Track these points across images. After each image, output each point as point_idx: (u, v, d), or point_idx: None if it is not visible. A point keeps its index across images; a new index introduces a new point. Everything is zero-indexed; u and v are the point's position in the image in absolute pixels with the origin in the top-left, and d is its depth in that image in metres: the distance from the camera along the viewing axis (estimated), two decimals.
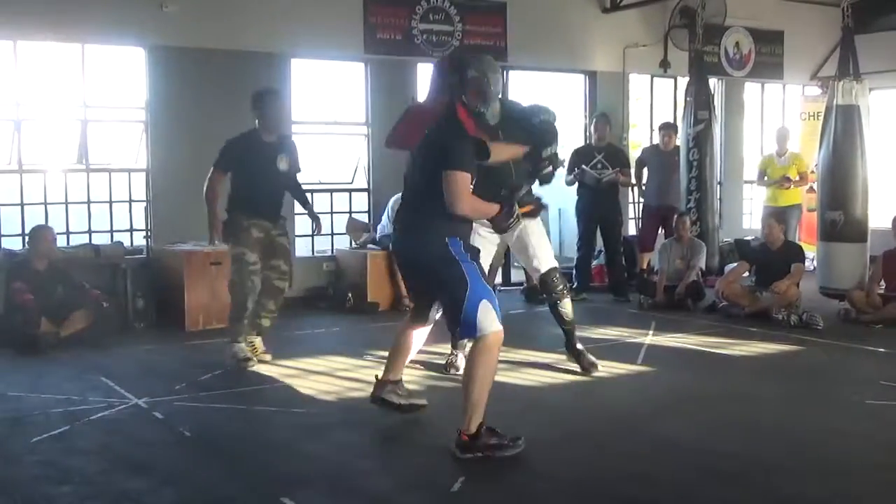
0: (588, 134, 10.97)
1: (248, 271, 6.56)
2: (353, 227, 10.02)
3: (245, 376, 6.40)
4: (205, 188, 6.62)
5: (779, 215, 9.67)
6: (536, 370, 6.55)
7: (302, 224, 9.85)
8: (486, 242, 5.87)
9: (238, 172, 6.67)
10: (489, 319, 4.52)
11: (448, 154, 4.55)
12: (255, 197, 6.64)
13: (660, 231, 10.56)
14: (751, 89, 13.07)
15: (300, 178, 7.22)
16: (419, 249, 4.69)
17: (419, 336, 5.26)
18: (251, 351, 6.74)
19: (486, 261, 5.55)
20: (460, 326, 4.60)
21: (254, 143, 6.69)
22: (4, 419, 5.36)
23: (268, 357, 6.81)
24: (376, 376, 5.24)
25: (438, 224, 4.60)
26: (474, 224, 5.08)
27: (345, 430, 5.18)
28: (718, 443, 4.91)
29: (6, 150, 8.51)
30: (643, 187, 10.83)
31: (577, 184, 9.99)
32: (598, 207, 9.95)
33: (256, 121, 6.73)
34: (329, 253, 10.04)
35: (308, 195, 7.43)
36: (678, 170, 10.59)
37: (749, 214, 12.92)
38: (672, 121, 11.55)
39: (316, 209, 9.88)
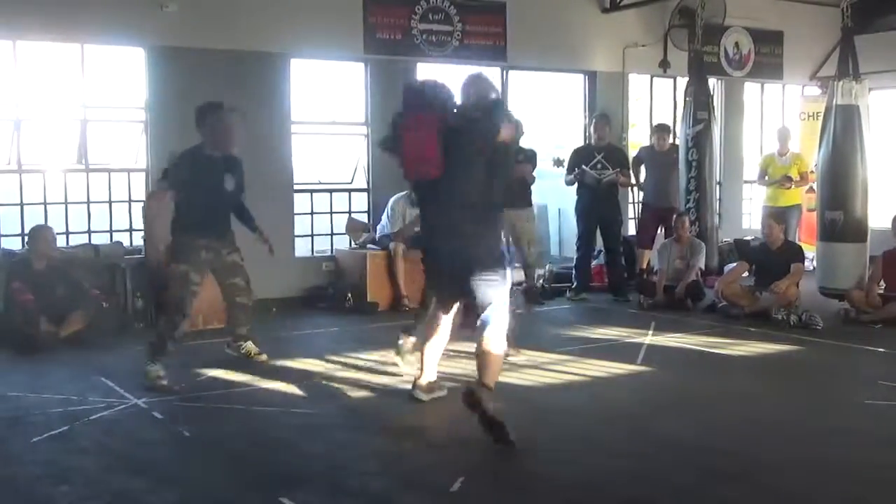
0: (588, 134, 10.97)
1: (190, 291, 6.24)
2: (353, 227, 10.02)
3: (244, 377, 6.39)
4: (148, 207, 6.27)
5: (778, 215, 9.68)
6: (535, 370, 6.54)
7: (301, 224, 9.89)
8: None
9: (186, 191, 6.25)
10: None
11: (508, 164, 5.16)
12: (204, 217, 6.32)
13: (659, 231, 10.56)
14: (750, 89, 13.07)
15: (244, 198, 6.82)
16: (482, 254, 4.98)
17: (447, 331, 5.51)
18: (246, 355, 6.76)
19: None
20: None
21: (200, 160, 6.32)
22: (4, 419, 5.36)
23: (263, 357, 6.81)
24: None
25: (497, 231, 5.14)
26: None
27: (344, 430, 5.18)
28: (718, 442, 4.91)
29: (6, 150, 8.51)
30: (641, 187, 10.82)
31: (576, 184, 9.99)
32: (597, 207, 9.94)
33: (202, 137, 6.39)
34: (328, 253, 10.04)
35: (249, 212, 6.90)
36: (676, 169, 10.59)
37: (749, 214, 12.92)
38: (671, 121, 11.56)
39: (316, 209, 10.03)
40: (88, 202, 8.86)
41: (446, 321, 5.47)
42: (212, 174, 6.34)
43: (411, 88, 5.32)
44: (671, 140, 10.80)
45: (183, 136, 8.78)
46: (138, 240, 9.04)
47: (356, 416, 5.42)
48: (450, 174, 4.95)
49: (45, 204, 8.61)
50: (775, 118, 13.12)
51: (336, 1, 9.65)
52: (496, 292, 4.94)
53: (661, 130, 10.72)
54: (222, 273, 6.63)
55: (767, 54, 12.87)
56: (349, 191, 10.32)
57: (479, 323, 4.96)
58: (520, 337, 7.12)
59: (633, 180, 10.58)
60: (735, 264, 9.62)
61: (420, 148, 4.98)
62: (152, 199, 6.18)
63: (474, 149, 4.94)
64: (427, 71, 10.15)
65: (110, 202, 8.99)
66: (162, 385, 5.97)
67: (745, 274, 9.17)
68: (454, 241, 5.04)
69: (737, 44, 12.52)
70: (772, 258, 8.75)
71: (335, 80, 10.57)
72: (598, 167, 9.86)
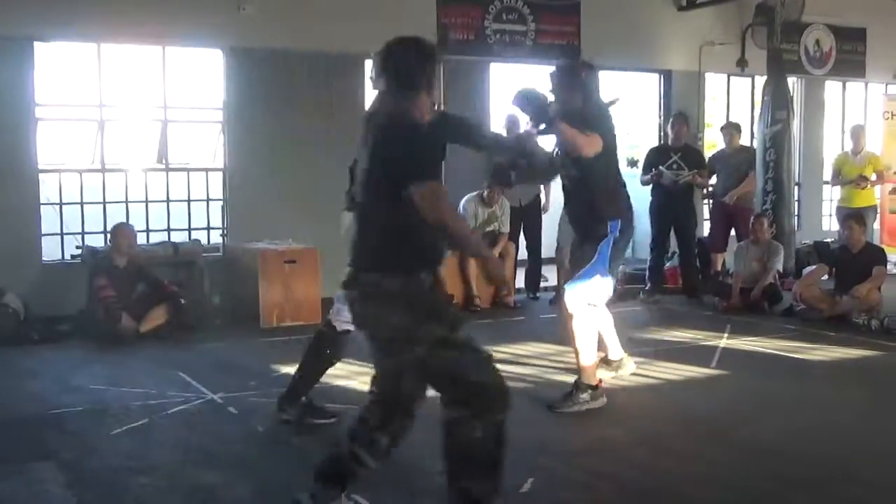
0: (663, 133, 10.83)
1: None
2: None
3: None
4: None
5: (857, 217, 9.43)
6: (606, 371, 6.47)
7: None
8: None
9: None
10: None
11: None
12: None
13: (731, 232, 10.36)
14: (831, 88, 12.77)
15: None
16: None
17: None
18: None
19: None
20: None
21: None
22: (86, 411, 5.52)
23: None
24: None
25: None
26: None
27: (416, 428, 5.17)
28: (792, 449, 4.81)
29: (90, 150, 8.75)
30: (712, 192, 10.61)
31: (651, 184, 9.87)
32: (672, 208, 9.80)
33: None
34: None
35: None
36: (749, 170, 10.34)
37: (828, 216, 12.62)
38: (748, 121, 11.36)
39: None
40: (168, 200, 9.06)
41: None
42: None
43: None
44: (741, 140, 10.57)
45: (259, 136, 9.02)
46: (215, 237, 9.23)
47: (428, 414, 5.44)
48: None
49: (126, 202, 8.83)
50: (857, 117, 12.79)
51: (410, 1, 9.71)
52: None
53: (728, 128, 10.48)
54: None
55: (849, 51, 12.56)
56: None
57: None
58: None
59: (709, 182, 10.39)
60: (814, 267, 9.41)
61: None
62: None
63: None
64: (500, 71, 10.14)
65: (189, 201, 9.17)
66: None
67: (825, 277, 8.96)
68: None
69: (817, 41, 12.25)
70: (852, 261, 8.54)
71: None
72: (675, 167, 9.71)
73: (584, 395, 5.45)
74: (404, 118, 3.45)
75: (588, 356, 5.50)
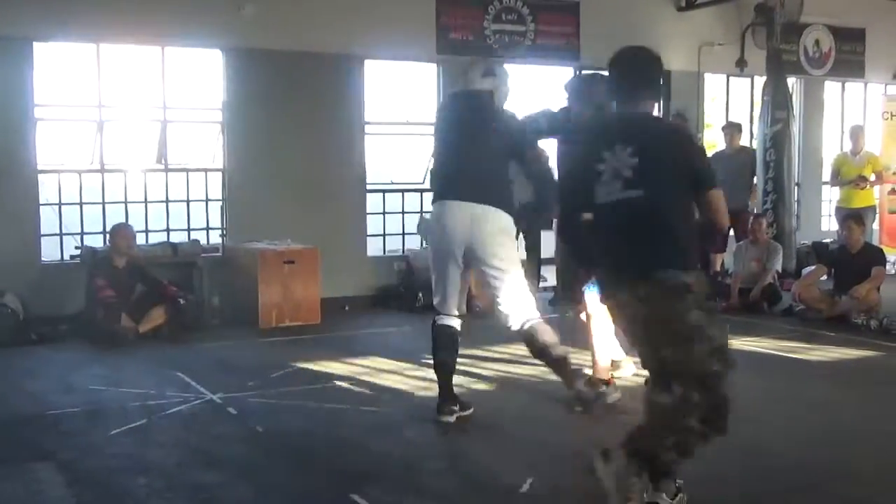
0: None
1: None
2: (425, 228, 10.06)
3: (316, 374, 6.47)
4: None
5: (856, 218, 9.42)
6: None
7: (374, 223, 9.96)
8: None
9: None
10: None
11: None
12: None
13: (730, 233, 10.34)
14: (831, 88, 12.77)
15: None
16: None
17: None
18: None
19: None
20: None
21: None
22: (84, 411, 5.51)
23: None
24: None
25: None
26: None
27: (414, 428, 5.21)
28: (791, 449, 4.81)
29: (89, 151, 8.74)
30: None
31: None
32: None
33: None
34: (400, 252, 10.10)
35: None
36: (747, 170, 10.33)
37: (828, 216, 12.60)
38: (748, 121, 11.35)
39: (388, 209, 10.09)
40: (167, 201, 9.06)
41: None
42: None
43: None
44: (741, 140, 10.56)
45: (258, 137, 9.01)
46: (214, 238, 9.22)
47: (427, 414, 5.44)
48: None
49: (125, 203, 8.82)
50: (856, 118, 12.78)
51: (409, 2, 9.71)
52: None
53: (729, 128, 10.49)
54: None
55: (848, 52, 12.56)
56: (421, 191, 10.36)
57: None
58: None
59: None
60: (813, 267, 9.41)
61: None
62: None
63: None
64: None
65: (188, 201, 9.17)
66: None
67: (824, 277, 8.96)
68: None
69: (817, 41, 12.25)
70: (851, 261, 8.54)
71: (407, 81, 10.62)
72: None
73: (607, 389, 5.62)
74: (683, 128, 3.81)
75: (605, 355, 5.71)
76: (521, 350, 6.60)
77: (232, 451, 4.81)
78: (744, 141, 10.85)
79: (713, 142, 12.25)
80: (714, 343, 3.63)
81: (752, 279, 9.22)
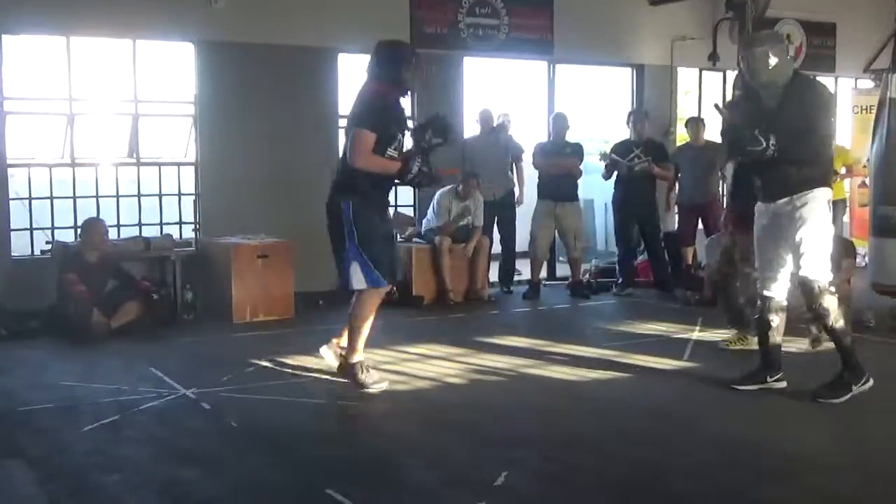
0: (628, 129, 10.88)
1: None
2: (399, 221, 10.03)
3: (290, 369, 6.45)
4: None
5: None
6: (580, 365, 6.51)
7: None
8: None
9: None
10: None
11: None
12: None
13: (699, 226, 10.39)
14: None
15: None
16: None
17: None
18: None
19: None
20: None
21: None
22: (56, 408, 5.47)
23: None
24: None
25: None
26: None
27: (389, 422, 5.21)
28: (765, 440, 4.85)
29: (59, 144, 8.66)
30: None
31: (614, 178, 9.93)
32: (631, 201, 9.86)
33: None
34: None
35: None
36: (713, 164, 10.34)
37: None
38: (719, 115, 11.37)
39: None
40: (139, 195, 8.99)
41: None
42: None
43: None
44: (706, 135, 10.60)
45: (231, 130, 8.96)
46: (187, 232, 9.16)
47: (401, 408, 5.45)
48: None
49: (97, 197, 8.75)
50: None
51: None
52: None
53: (693, 122, 10.53)
54: None
55: (819, 46, 12.67)
56: (395, 185, 10.33)
57: None
58: (564, 331, 7.09)
59: (671, 174, 10.31)
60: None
61: None
62: None
63: None
64: (474, 65, 10.15)
65: (160, 195, 9.10)
66: None
67: None
68: None
69: (788, 36, 12.31)
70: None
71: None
72: (636, 161, 9.80)
73: None
74: None
75: None
76: (500, 343, 6.65)
77: (206, 447, 4.79)
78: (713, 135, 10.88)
79: (686, 135, 12.30)
80: None
81: None
